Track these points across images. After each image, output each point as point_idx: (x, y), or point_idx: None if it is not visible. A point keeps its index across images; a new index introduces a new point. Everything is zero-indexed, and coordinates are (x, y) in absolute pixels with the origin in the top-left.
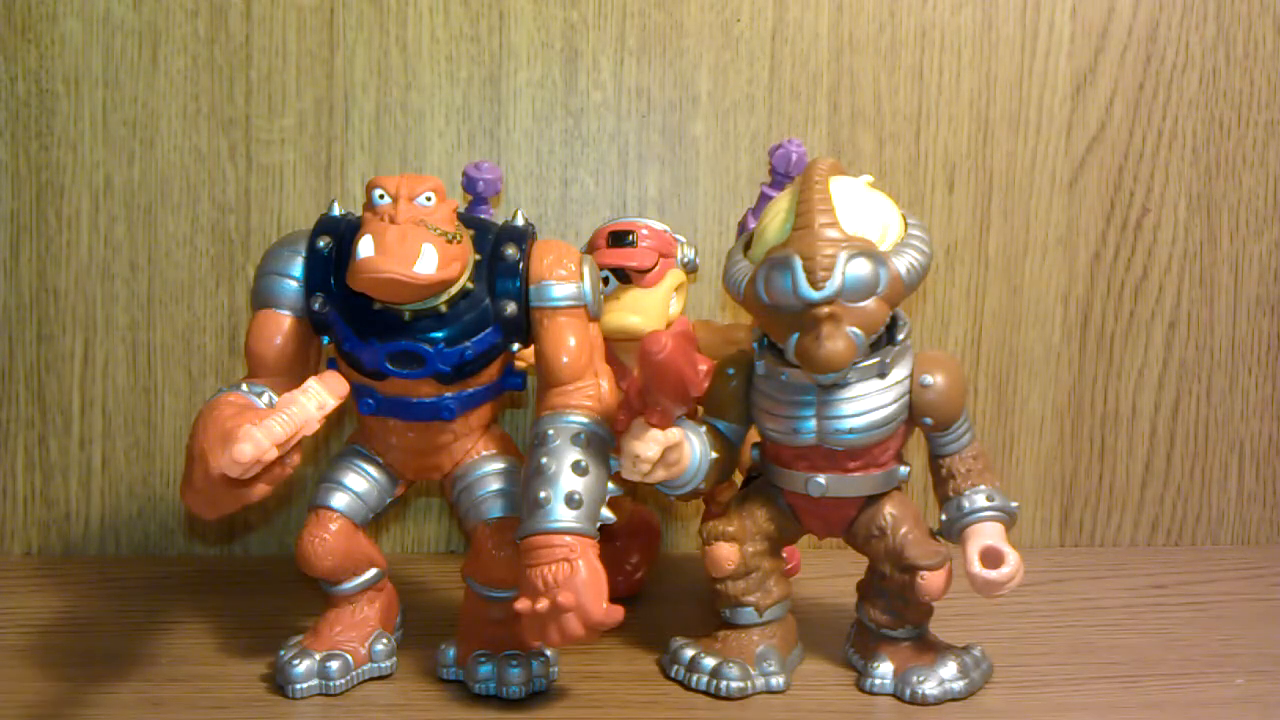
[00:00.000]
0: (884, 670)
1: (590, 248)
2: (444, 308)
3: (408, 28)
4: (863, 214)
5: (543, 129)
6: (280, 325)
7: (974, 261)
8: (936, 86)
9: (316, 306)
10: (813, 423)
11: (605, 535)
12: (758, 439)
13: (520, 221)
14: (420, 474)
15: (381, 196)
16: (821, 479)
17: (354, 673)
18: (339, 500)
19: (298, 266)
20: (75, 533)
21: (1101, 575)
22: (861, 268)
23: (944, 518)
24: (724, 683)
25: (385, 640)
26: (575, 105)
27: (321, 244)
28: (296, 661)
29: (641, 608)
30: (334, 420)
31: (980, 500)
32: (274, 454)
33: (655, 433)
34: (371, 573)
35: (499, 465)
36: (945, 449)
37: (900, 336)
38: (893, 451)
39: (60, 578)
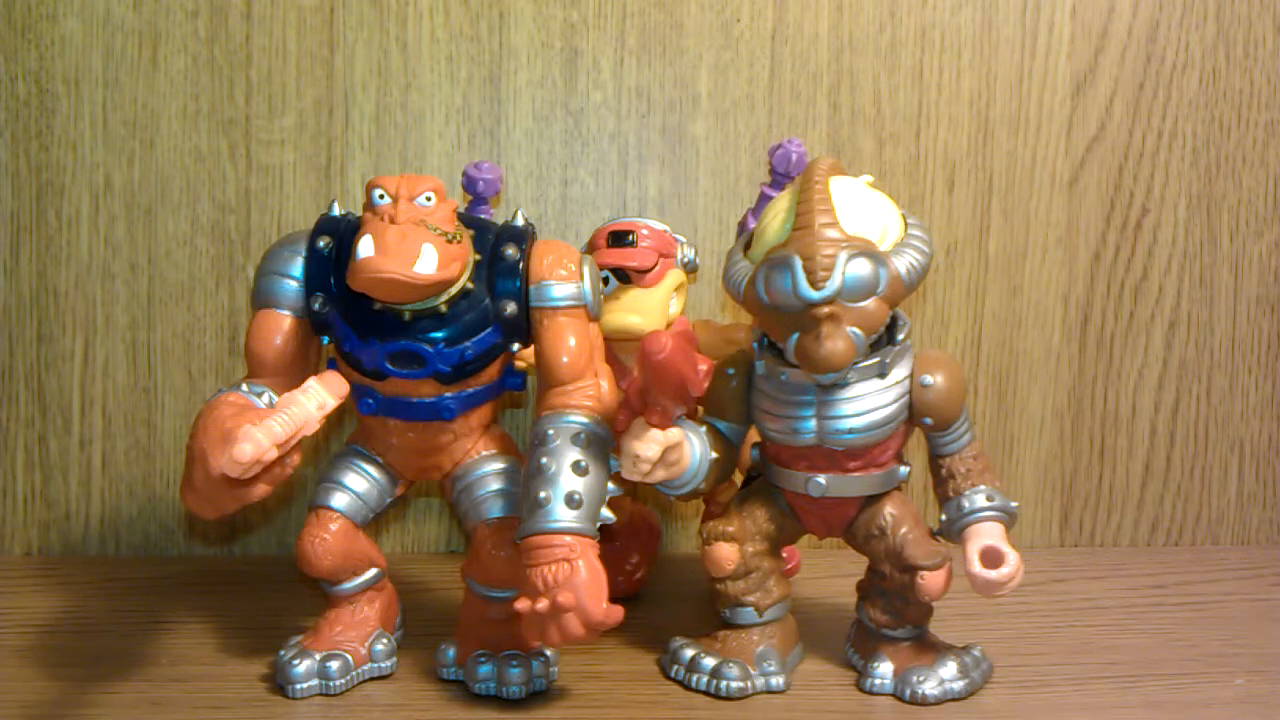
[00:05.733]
0: (884, 670)
1: (590, 248)
2: (444, 308)
3: (408, 28)
4: (863, 214)
5: (543, 129)
6: (280, 325)
7: (974, 261)
8: (936, 86)
9: (316, 306)
10: (813, 423)
11: (605, 535)
12: (758, 439)
13: (520, 221)
14: (420, 474)
15: (381, 196)
16: (821, 479)
17: (354, 673)
18: (339, 500)
19: (298, 266)
20: (75, 533)
21: (1101, 575)
22: (861, 268)
23: (944, 518)
24: (724, 683)
25: (385, 640)
26: (575, 105)
27: (321, 244)
28: (296, 661)
29: (641, 608)
30: (334, 420)
31: (980, 500)
32: (274, 454)
33: (655, 433)
34: (371, 573)
35: (499, 465)
36: (945, 449)
37: (900, 336)
38: (893, 451)
39: (60, 578)
